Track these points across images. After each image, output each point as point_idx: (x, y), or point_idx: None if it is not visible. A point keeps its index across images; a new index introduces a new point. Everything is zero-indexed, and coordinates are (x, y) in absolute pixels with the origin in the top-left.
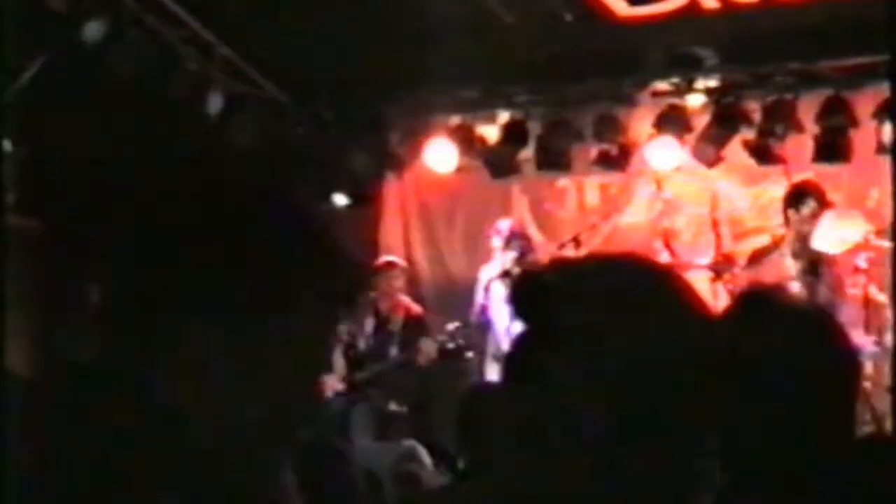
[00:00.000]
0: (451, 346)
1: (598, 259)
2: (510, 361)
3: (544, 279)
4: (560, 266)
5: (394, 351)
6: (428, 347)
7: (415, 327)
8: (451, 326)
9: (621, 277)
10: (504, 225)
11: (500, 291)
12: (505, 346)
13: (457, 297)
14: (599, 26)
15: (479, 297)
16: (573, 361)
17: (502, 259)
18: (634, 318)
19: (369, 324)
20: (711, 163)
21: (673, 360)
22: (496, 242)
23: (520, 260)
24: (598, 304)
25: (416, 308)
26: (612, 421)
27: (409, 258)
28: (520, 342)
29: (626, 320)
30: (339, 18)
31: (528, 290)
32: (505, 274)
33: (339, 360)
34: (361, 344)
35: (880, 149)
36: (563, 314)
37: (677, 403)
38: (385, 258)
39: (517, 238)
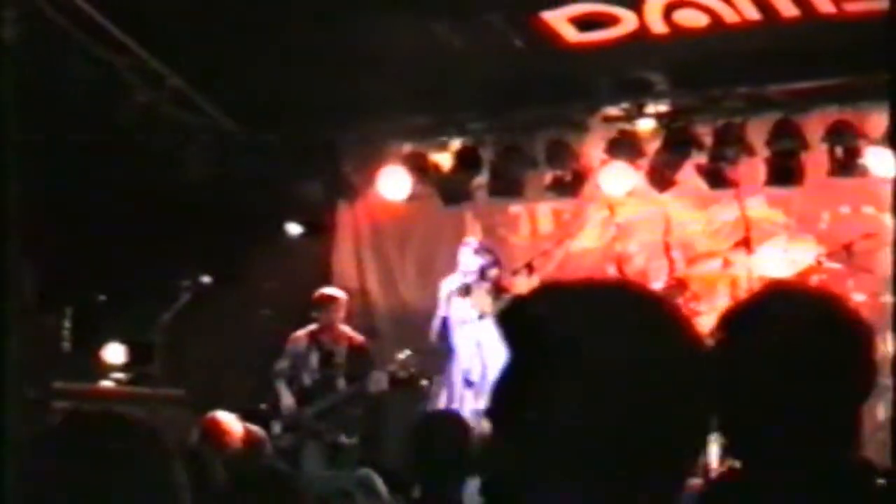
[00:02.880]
0: (402, 375)
1: (585, 286)
2: (497, 390)
3: (532, 307)
4: (547, 293)
5: (341, 383)
6: (378, 378)
7: (359, 357)
8: (403, 355)
9: (609, 304)
10: (474, 241)
11: (461, 309)
12: (470, 367)
13: (411, 323)
14: (550, 53)
15: (440, 311)
16: (563, 390)
17: (466, 273)
18: (623, 344)
19: (314, 357)
20: (663, 187)
21: (668, 386)
22: (464, 255)
23: (483, 275)
24: (587, 331)
25: (359, 338)
26: (609, 447)
27: (363, 286)
28: (508, 370)
29: (614, 347)
30: (292, 47)
31: (515, 318)
32: (467, 289)
33: (286, 397)
34: (306, 378)
35: (831, 171)
36: (551, 342)
37: (673, 429)
38: (325, 291)
39: (484, 253)
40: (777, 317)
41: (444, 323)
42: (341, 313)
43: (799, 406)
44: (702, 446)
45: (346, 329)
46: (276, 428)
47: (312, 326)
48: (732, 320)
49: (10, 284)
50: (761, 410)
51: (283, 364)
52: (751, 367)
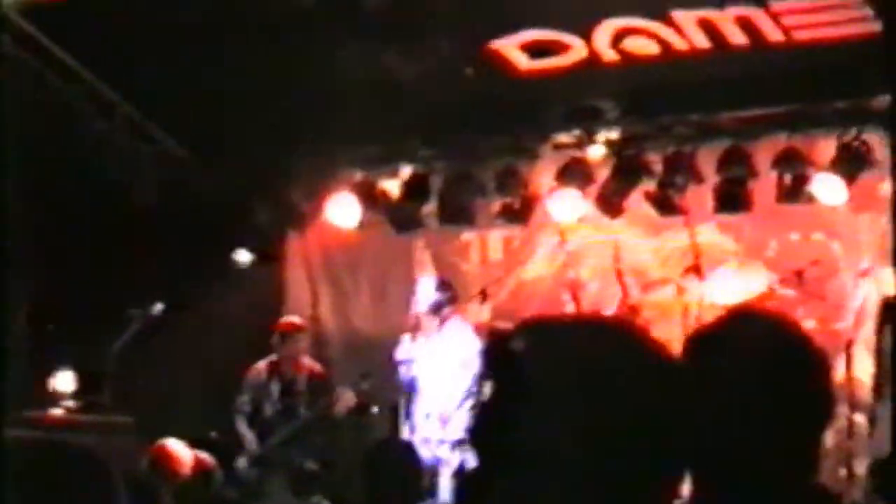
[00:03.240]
0: (365, 386)
1: (567, 320)
2: (479, 420)
3: (513, 342)
4: (528, 328)
5: (302, 411)
6: (346, 396)
7: (319, 386)
8: (366, 373)
9: (590, 337)
10: (431, 275)
11: (415, 343)
12: (413, 402)
13: (364, 351)
14: (501, 80)
15: (397, 350)
16: (543, 421)
17: (420, 308)
18: (603, 377)
19: (275, 388)
20: (613, 214)
21: (645, 416)
22: (423, 287)
23: (436, 309)
24: (566, 365)
25: (319, 367)
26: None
27: (315, 314)
28: (491, 401)
29: (595, 380)
30: (242, 75)
31: (497, 352)
32: (420, 325)
33: (246, 433)
34: (268, 409)
35: (780, 198)
36: (531, 376)
37: (649, 455)
38: (286, 320)
39: (440, 288)
40: (739, 341)
41: (405, 366)
42: (304, 343)
43: (760, 431)
44: (680, 472)
45: (307, 359)
46: (242, 462)
47: (272, 357)
48: (695, 345)
49: None
50: (723, 435)
51: (242, 398)
52: (713, 391)
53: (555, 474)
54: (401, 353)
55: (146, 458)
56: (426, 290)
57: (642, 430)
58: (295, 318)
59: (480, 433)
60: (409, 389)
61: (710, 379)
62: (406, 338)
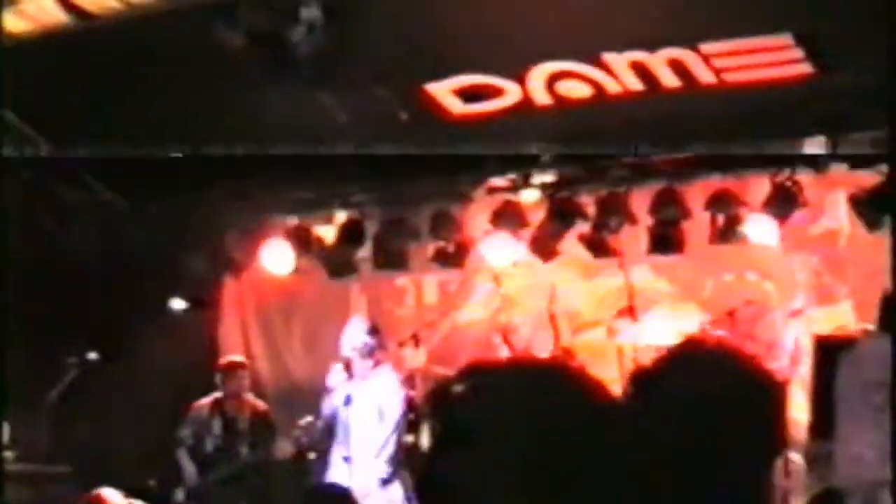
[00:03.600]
0: (305, 440)
1: (506, 365)
2: (426, 465)
3: (454, 387)
4: (469, 373)
5: (244, 450)
6: (283, 445)
7: (262, 425)
8: (304, 422)
9: (529, 381)
10: (360, 318)
11: (342, 388)
12: (342, 448)
13: (298, 397)
14: (434, 125)
15: (327, 402)
16: (484, 467)
17: (347, 354)
18: (543, 419)
19: (217, 425)
20: (548, 257)
21: (585, 459)
22: (352, 331)
23: (363, 355)
24: (509, 409)
25: (262, 405)
26: None
27: (249, 361)
28: (434, 446)
29: (535, 422)
30: (175, 119)
31: (438, 397)
32: (347, 369)
33: (187, 465)
34: (209, 445)
35: (713, 239)
36: (472, 421)
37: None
38: (230, 358)
39: (373, 332)
40: (689, 374)
41: (333, 413)
42: (246, 381)
43: (710, 464)
44: None
45: (250, 396)
46: (179, 496)
47: (217, 394)
48: (637, 384)
49: None
50: (672, 469)
51: (185, 431)
52: (655, 430)
53: None
54: (333, 398)
55: None
56: (355, 333)
57: (584, 470)
58: (237, 357)
59: (425, 479)
60: (341, 433)
61: (652, 418)
62: (337, 381)
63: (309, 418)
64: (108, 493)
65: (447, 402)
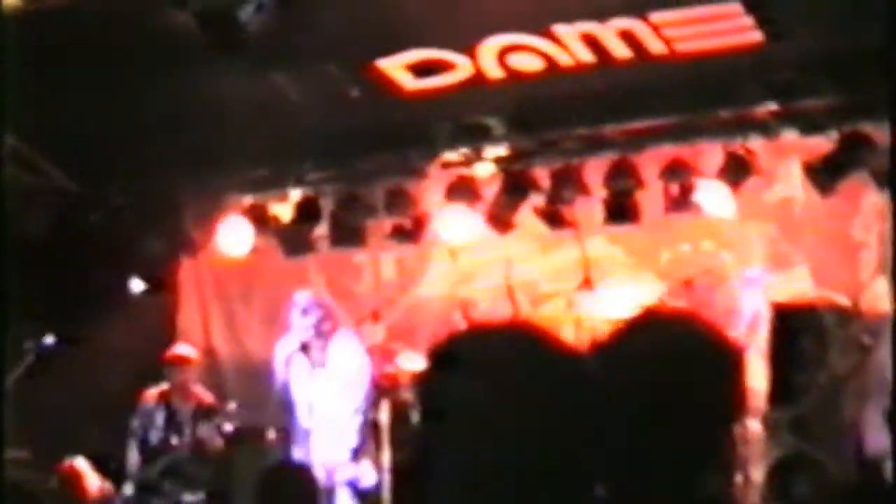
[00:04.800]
0: (228, 428)
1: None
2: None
3: (435, 360)
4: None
5: (185, 441)
6: (209, 433)
7: (205, 416)
8: (230, 407)
9: (494, 347)
10: (301, 297)
11: (301, 365)
12: (305, 423)
13: (258, 377)
14: (387, 101)
15: (280, 373)
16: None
17: (300, 331)
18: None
19: (160, 417)
20: (503, 230)
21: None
22: (294, 315)
23: (317, 329)
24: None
25: (208, 397)
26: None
27: (208, 341)
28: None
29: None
30: (129, 101)
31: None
32: (303, 346)
33: (133, 456)
34: (153, 437)
35: (667, 209)
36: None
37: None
38: (175, 351)
39: (314, 308)
40: (649, 342)
41: (285, 387)
42: (193, 373)
43: (669, 428)
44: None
45: (198, 389)
46: (129, 488)
47: (164, 385)
48: (605, 346)
49: None
50: (633, 432)
51: (135, 423)
52: (623, 391)
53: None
54: (290, 375)
55: (55, 477)
56: (297, 317)
57: (555, 429)
58: (183, 350)
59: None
60: (300, 410)
61: (613, 382)
62: (292, 358)
63: (233, 404)
64: (81, 464)
65: (424, 380)
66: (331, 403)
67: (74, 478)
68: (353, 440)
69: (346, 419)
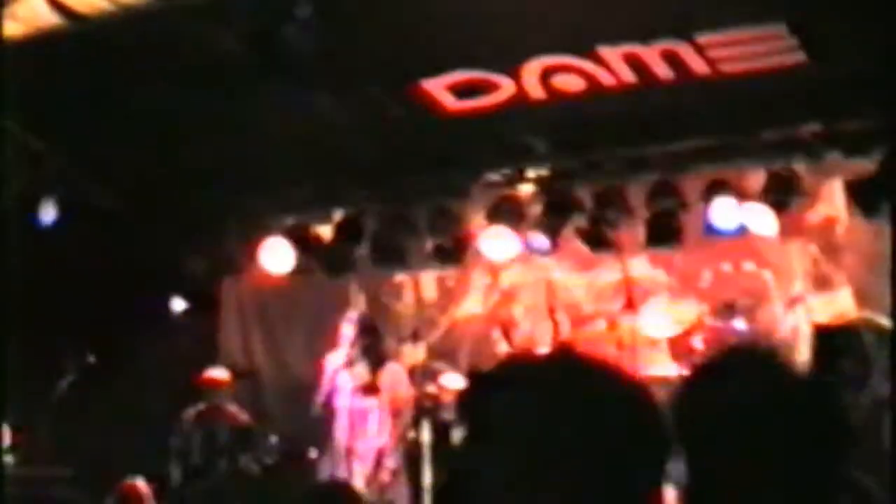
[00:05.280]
0: (268, 461)
1: (531, 361)
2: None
3: (481, 380)
4: (501, 371)
5: (223, 463)
6: (248, 465)
7: (241, 438)
8: (272, 441)
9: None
10: (355, 315)
11: (345, 381)
12: (345, 441)
13: (299, 396)
14: (429, 121)
15: (325, 385)
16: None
17: (350, 349)
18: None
19: (197, 438)
20: (545, 251)
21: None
22: (347, 330)
23: (367, 352)
24: (531, 402)
25: (244, 418)
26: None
27: (250, 361)
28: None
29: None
30: (174, 123)
31: (469, 389)
32: (350, 363)
33: (175, 474)
34: (193, 457)
35: (707, 230)
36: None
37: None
38: (209, 374)
39: (367, 331)
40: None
41: (329, 399)
42: (227, 395)
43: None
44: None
45: (234, 409)
46: None
47: (200, 406)
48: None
49: None
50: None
51: (175, 442)
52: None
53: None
54: (335, 388)
55: (113, 495)
56: (348, 331)
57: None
58: (216, 373)
59: (455, 475)
60: (346, 427)
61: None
62: (339, 372)
63: (274, 438)
64: (140, 482)
65: (476, 398)
66: (373, 423)
67: (135, 498)
68: (393, 460)
69: (389, 441)
